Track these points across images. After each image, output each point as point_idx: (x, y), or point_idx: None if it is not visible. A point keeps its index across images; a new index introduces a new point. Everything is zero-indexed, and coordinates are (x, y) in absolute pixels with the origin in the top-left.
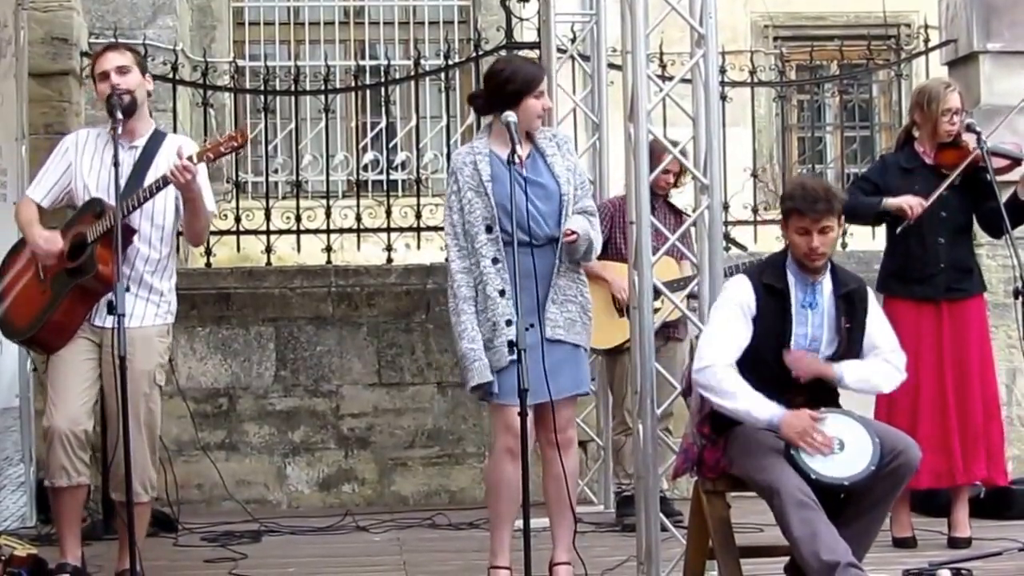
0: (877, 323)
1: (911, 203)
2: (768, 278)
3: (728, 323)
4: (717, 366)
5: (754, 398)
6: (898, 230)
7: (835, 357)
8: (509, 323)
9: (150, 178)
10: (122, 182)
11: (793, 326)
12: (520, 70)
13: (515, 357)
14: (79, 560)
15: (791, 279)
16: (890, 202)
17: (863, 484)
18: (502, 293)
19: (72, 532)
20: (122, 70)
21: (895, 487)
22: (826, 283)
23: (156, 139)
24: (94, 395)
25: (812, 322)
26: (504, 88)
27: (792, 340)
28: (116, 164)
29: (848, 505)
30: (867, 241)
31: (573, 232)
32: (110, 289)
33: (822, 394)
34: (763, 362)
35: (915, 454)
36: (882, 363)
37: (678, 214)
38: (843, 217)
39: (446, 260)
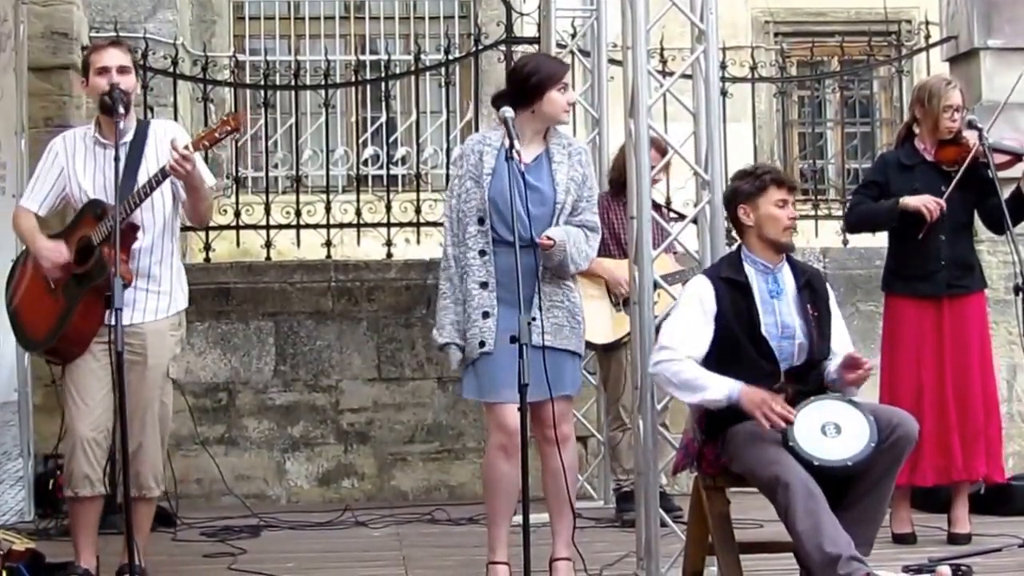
0: (836, 316)
1: (929, 205)
2: (727, 272)
3: (684, 319)
4: (670, 360)
5: (709, 379)
6: (920, 236)
7: (810, 344)
8: (486, 315)
9: (142, 171)
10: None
11: (761, 316)
12: (544, 63)
13: (487, 350)
14: (94, 568)
15: (750, 271)
16: (909, 202)
17: (866, 462)
18: (483, 286)
19: (89, 540)
20: (123, 70)
21: (896, 461)
22: (785, 271)
23: (141, 131)
24: (112, 401)
25: (780, 310)
26: (528, 81)
27: (763, 329)
28: (117, 159)
29: (851, 486)
30: (867, 238)
31: (550, 239)
32: (126, 287)
33: (809, 386)
34: (741, 357)
35: (912, 425)
36: None
37: (657, 208)
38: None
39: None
